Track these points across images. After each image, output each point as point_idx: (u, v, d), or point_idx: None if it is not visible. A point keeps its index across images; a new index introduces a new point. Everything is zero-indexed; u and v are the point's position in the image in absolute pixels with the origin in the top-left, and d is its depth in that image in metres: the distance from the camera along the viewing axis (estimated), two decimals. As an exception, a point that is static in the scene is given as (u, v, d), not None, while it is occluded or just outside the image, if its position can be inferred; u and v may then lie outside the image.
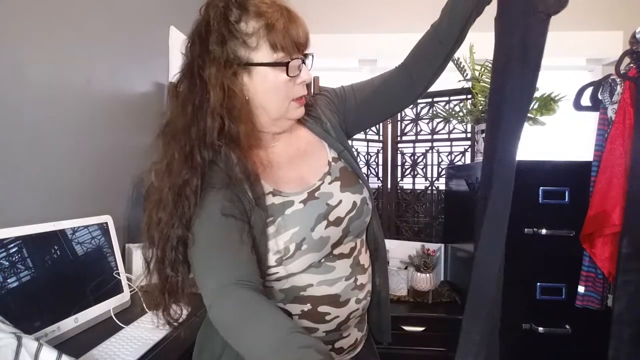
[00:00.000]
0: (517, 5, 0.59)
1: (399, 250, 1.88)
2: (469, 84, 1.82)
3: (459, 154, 2.05)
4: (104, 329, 1.04)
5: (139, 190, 1.51)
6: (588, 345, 1.33)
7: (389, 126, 2.18)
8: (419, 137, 2.15)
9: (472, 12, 0.68)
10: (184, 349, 0.96)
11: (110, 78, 1.40)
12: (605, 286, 1.33)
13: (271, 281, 0.70)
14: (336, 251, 0.72)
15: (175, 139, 0.66)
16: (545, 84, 1.53)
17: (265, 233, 0.67)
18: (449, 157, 2.08)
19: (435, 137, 2.11)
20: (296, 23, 0.68)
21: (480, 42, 1.30)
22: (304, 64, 0.72)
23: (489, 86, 1.61)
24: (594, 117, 1.44)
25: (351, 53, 2.44)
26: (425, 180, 2.13)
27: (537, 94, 1.60)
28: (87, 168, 1.28)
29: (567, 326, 1.38)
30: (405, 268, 1.80)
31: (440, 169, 2.11)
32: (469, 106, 1.85)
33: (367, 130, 2.10)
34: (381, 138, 2.18)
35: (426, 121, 2.13)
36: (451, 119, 2.01)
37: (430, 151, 2.12)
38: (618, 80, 1.33)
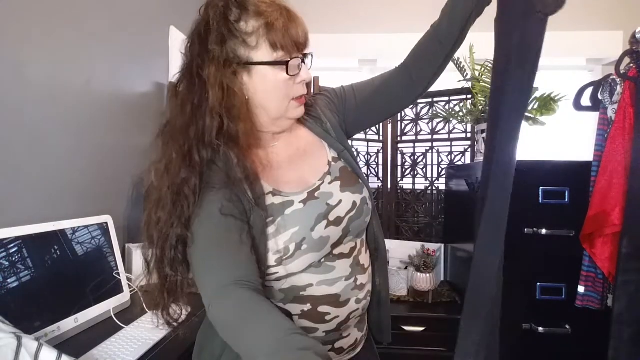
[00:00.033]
0: (516, 6, 0.59)
1: (399, 250, 1.88)
2: (469, 84, 1.82)
3: (459, 154, 2.05)
4: (104, 329, 1.04)
5: (139, 190, 1.51)
6: (588, 345, 1.33)
7: (389, 126, 2.17)
8: (419, 137, 2.14)
9: (472, 12, 0.69)
10: (184, 349, 0.96)
11: (110, 78, 1.40)
12: (605, 286, 1.33)
13: (271, 281, 0.70)
14: (336, 251, 0.72)
15: (174, 138, 0.66)
16: (545, 84, 1.54)
17: (265, 233, 0.67)
18: (449, 157, 2.08)
19: (435, 137, 2.11)
20: (295, 22, 0.69)
21: (480, 42, 1.31)
22: (304, 63, 0.72)
23: (489, 86, 1.61)
24: (594, 117, 1.44)
25: (351, 53, 2.44)
26: (425, 180, 2.13)
27: (537, 94, 1.60)
28: (87, 168, 1.28)
29: (567, 326, 1.38)
30: (405, 268, 1.80)
31: (440, 169, 2.11)
32: (469, 106, 1.85)
33: (367, 130, 2.10)
34: (381, 138, 2.18)
35: (426, 121, 2.13)
36: (451, 119, 2.01)
37: (430, 151, 2.12)
38: (618, 80, 1.33)
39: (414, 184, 2.16)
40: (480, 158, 1.70)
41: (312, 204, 0.70)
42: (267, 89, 0.69)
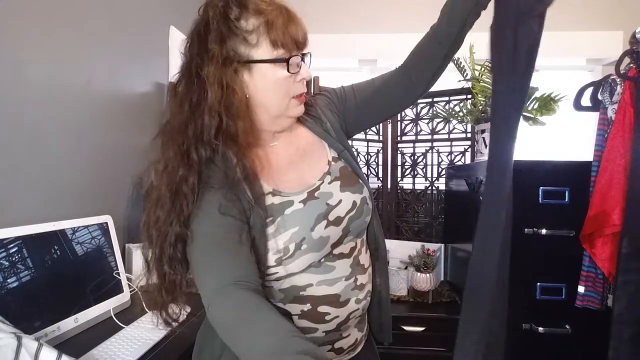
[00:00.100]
0: (512, 7, 0.60)
1: (399, 250, 1.88)
2: (469, 84, 1.82)
3: (459, 154, 2.05)
4: (104, 329, 1.04)
5: (139, 190, 1.51)
6: (588, 345, 1.33)
7: (389, 126, 2.17)
8: (419, 137, 2.14)
9: (469, 13, 0.69)
10: (184, 349, 0.96)
11: (110, 78, 1.40)
12: (605, 286, 1.33)
13: (271, 281, 0.70)
14: (336, 251, 0.72)
15: (173, 137, 0.67)
16: (545, 84, 1.54)
17: (265, 233, 0.67)
18: (449, 157, 2.08)
19: (435, 137, 2.11)
20: (295, 21, 0.69)
21: (480, 42, 1.30)
22: (303, 61, 0.72)
23: (489, 86, 1.61)
24: (594, 117, 1.44)
25: (351, 53, 2.44)
26: (425, 180, 2.13)
27: (537, 94, 1.60)
28: (87, 168, 1.28)
29: (567, 326, 1.38)
30: (405, 268, 1.80)
31: (440, 169, 2.11)
32: (469, 106, 1.85)
33: (367, 130, 2.10)
34: (381, 138, 2.18)
35: (426, 121, 2.13)
36: (451, 119, 2.01)
37: (430, 151, 2.12)
38: (618, 80, 1.33)
39: (414, 184, 2.16)
40: (480, 158, 1.70)
41: (312, 203, 0.70)
42: (268, 86, 0.69)
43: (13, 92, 1.00)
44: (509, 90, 0.58)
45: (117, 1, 1.42)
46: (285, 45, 0.68)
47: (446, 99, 2.05)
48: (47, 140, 1.12)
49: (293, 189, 0.72)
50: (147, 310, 1.14)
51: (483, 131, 1.67)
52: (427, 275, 1.70)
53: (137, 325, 1.06)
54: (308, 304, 0.70)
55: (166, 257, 0.65)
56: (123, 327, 1.04)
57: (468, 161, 2.02)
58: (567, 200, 1.37)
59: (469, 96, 1.88)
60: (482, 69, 1.67)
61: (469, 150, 2.02)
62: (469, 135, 2.02)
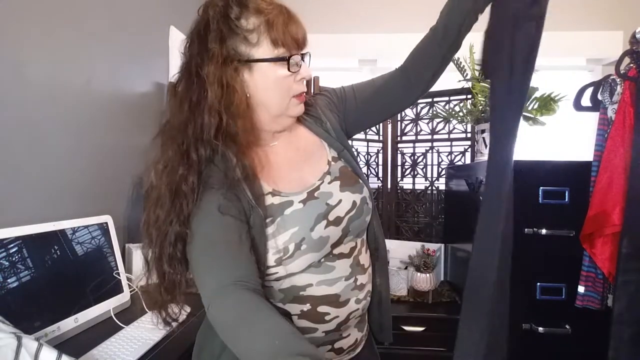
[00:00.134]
0: (508, 13, 0.60)
1: (399, 250, 1.88)
2: (469, 84, 1.82)
3: (459, 154, 2.05)
4: (104, 329, 1.04)
5: (139, 190, 1.51)
6: (588, 345, 1.33)
7: (389, 126, 2.18)
8: (419, 137, 2.15)
9: (466, 16, 0.69)
10: (184, 349, 0.96)
11: (110, 78, 1.40)
12: (605, 286, 1.33)
13: (271, 281, 0.70)
14: (336, 251, 0.72)
15: (173, 137, 0.67)
16: (545, 84, 1.54)
17: (265, 233, 0.67)
18: (449, 157, 2.08)
19: (435, 137, 2.11)
20: (295, 21, 0.70)
21: (480, 42, 1.30)
22: (303, 61, 0.72)
23: (488, 86, 1.61)
24: (594, 117, 1.44)
25: (351, 53, 2.44)
26: (425, 180, 2.13)
27: (537, 94, 1.60)
28: (87, 168, 1.28)
29: (567, 326, 1.38)
30: (405, 268, 1.80)
31: (440, 169, 2.11)
32: (469, 106, 1.85)
33: (367, 130, 2.10)
34: (381, 138, 2.18)
35: (426, 121, 2.13)
36: (451, 119, 2.01)
37: (430, 151, 2.12)
38: (618, 80, 1.33)
39: (414, 184, 2.16)
40: (480, 158, 1.70)
41: (312, 204, 0.70)
42: (268, 85, 0.69)
43: (13, 92, 1.00)
44: (508, 93, 0.58)
45: (117, 1, 1.42)
46: (286, 44, 0.68)
47: (446, 99, 2.05)
48: (47, 140, 1.12)
49: (293, 189, 0.72)
50: (147, 310, 1.14)
51: (483, 131, 1.67)
52: (427, 275, 1.70)
53: (137, 325, 1.06)
54: (308, 304, 0.70)
55: (166, 256, 0.65)
56: (123, 327, 1.04)
57: (468, 161, 2.02)
58: (567, 200, 1.37)
59: (469, 96, 1.88)
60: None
61: (469, 150, 2.02)
62: (469, 135, 2.02)
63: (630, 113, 1.26)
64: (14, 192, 1.01)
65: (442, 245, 1.93)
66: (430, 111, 2.10)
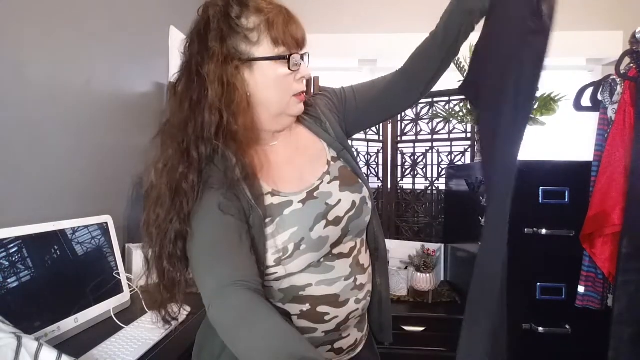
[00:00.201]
0: (509, 27, 0.60)
1: (399, 250, 1.88)
2: (469, 84, 1.82)
3: (459, 154, 2.05)
4: (104, 329, 1.04)
5: (139, 190, 1.51)
6: (588, 345, 1.33)
7: (389, 126, 2.18)
8: (419, 137, 2.15)
9: (463, 24, 0.70)
10: (184, 349, 0.96)
11: (110, 78, 1.40)
12: (605, 286, 1.33)
13: (270, 281, 0.70)
14: (335, 251, 0.72)
15: (173, 136, 0.67)
16: (545, 84, 1.54)
17: (264, 233, 0.67)
18: (449, 157, 2.08)
19: (435, 137, 2.11)
20: (294, 21, 0.70)
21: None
22: (302, 60, 0.72)
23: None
24: (594, 117, 1.44)
25: (351, 53, 2.44)
26: (425, 180, 2.13)
27: (537, 94, 1.60)
28: (87, 168, 1.28)
29: (567, 326, 1.38)
30: (405, 268, 1.80)
31: (440, 169, 2.11)
32: (469, 106, 1.85)
33: (367, 130, 2.11)
34: (381, 138, 2.18)
35: (426, 121, 2.13)
36: (451, 119, 2.01)
37: (430, 151, 2.12)
38: (618, 80, 1.33)
39: (414, 184, 2.16)
40: (480, 158, 1.70)
41: (311, 203, 0.70)
42: (269, 84, 0.70)
43: (13, 92, 1.00)
44: (508, 110, 0.58)
45: (117, 1, 1.42)
46: (286, 43, 0.68)
47: (446, 99, 2.05)
48: (47, 140, 1.12)
49: (292, 189, 0.72)
50: (147, 310, 1.14)
51: (483, 131, 1.66)
52: (427, 275, 1.70)
53: (137, 325, 1.06)
54: (307, 304, 0.70)
55: (166, 254, 0.65)
56: (123, 327, 1.04)
57: (468, 161, 2.02)
58: (567, 200, 1.38)
59: (469, 96, 1.88)
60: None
61: (469, 150, 2.02)
62: (469, 135, 2.02)
63: (631, 113, 1.26)
64: (14, 192, 1.01)
65: (442, 245, 1.93)
66: (430, 111, 2.10)
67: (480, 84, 0.71)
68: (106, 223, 1.22)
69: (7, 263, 0.89)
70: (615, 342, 1.19)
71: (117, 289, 1.19)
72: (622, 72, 1.31)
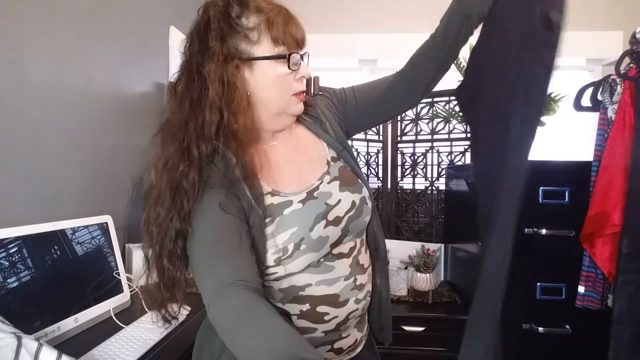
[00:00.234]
0: (514, 36, 0.60)
1: (399, 250, 1.88)
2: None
3: (459, 154, 2.05)
4: (104, 329, 1.04)
5: (139, 190, 1.51)
6: (588, 345, 1.33)
7: (389, 126, 2.17)
8: (419, 137, 2.14)
9: (460, 28, 0.70)
10: (184, 349, 0.96)
11: (110, 78, 1.40)
12: (605, 286, 1.33)
13: (270, 281, 0.70)
14: (335, 251, 0.72)
15: (173, 135, 0.67)
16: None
17: (264, 233, 0.67)
18: (449, 157, 2.08)
19: (435, 137, 2.11)
20: (294, 21, 0.71)
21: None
22: (302, 60, 0.72)
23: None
24: (594, 117, 1.44)
25: (351, 53, 2.44)
26: (425, 180, 2.13)
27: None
28: (87, 168, 1.28)
29: (567, 326, 1.38)
30: (405, 268, 1.80)
31: (440, 169, 2.11)
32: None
33: (367, 130, 2.10)
34: (381, 138, 2.18)
35: (426, 121, 2.13)
36: (451, 119, 2.01)
37: (430, 151, 2.12)
38: (618, 80, 1.33)
39: (414, 184, 2.16)
40: (480, 158, 1.70)
41: (311, 203, 0.71)
42: (269, 83, 0.70)
43: (13, 92, 1.01)
44: (522, 123, 0.58)
45: (117, 1, 1.42)
46: (286, 42, 0.69)
47: (446, 99, 2.05)
48: (47, 140, 1.12)
49: (292, 189, 0.72)
50: (147, 310, 1.14)
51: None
52: (427, 275, 1.70)
53: (137, 325, 1.06)
54: (307, 304, 0.70)
55: (166, 253, 0.65)
56: (123, 327, 1.04)
57: (468, 161, 2.02)
58: (567, 200, 1.38)
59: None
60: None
61: (469, 150, 2.02)
62: (469, 135, 2.02)
63: (631, 113, 1.26)
64: (14, 192, 1.01)
65: (442, 245, 1.93)
66: (430, 111, 2.10)
67: (479, 89, 0.71)
68: (106, 223, 1.22)
69: (7, 263, 0.89)
70: (615, 342, 1.19)
71: (117, 289, 1.19)
72: (622, 72, 1.31)
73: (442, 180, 2.10)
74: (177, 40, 1.75)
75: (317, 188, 0.73)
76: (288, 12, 0.70)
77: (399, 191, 2.18)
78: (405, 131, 2.17)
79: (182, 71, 0.70)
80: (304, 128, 0.81)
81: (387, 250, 0.95)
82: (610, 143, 1.29)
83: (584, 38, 2.26)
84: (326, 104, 0.83)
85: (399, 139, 2.18)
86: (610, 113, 1.34)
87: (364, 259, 0.78)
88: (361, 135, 2.10)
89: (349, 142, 0.86)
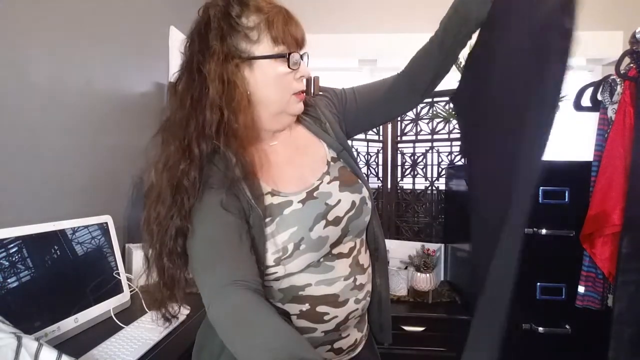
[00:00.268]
0: (524, 40, 0.60)
1: (399, 250, 1.88)
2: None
3: (459, 154, 2.05)
4: (104, 329, 1.04)
5: (139, 190, 1.51)
6: (588, 345, 1.33)
7: (389, 126, 2.17)
8: (419, 137, 2.14)
9: (459, 31, 0.71)
10: (184, 349, 0.96)
11: (110, 78, 1.40)
12: (605, 286, 1.33)
13: (270, 281, 0.70)
14: (335, 251, 0.72)
15: (174, 134, 0.67)
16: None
17: (264, 233, 0.67)
18: (449, 157, 2.08)
19: (435, 137, 2.11)
20: (294, 21, 0.71)
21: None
22: (302, 60, 0.72)
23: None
24: (594, 117, 1.44)
25: (351, 53, 2.44)
26: (425, 180, 2.13)
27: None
28: (87, 168, 1.28)
29: (567, 326, 1.38)
30: (405, 268, 1.80)
31: (440, 169, 2.11)
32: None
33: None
34: (381, 138, 2.18)
35: (426, 121, 2.13)
36: (451, 119, 2.01)
37: (430, 151, 2.12)
38: (618, 80, 1.33)
39: (414, 184, 2.16)
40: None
41: (311, 203, 0.71)
42: (269, 82, 0.70)
43: (13, 92, 1.01)
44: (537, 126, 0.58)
45: (118, 1, 1.42)
46: (286, 42, 0.69)
47: (446, 99, 2.04)
48: (47, 140, 1.12)
49: (292, 189, 0.72)
50: (147, 310, 1.14)
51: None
52: (427, 275, 1.70)
53: (137, 325, 1.06)
54: (307, 304, 0.70)
55: (166, 251, 0.65)
56: (123, 327, 1.04)
57: (468, 161, 2.02)
58: (567, 200, 1.38)
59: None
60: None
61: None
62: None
63: (630, 113, 1.26)
64: (14, 192, 1.01)
65: (442, 245, 1.93)
66: (430, 111, 2.10)
67: (480, 94, 0.71)
68: (106, 223, 1.22)
69: (7, 263, 0.89)
70: (615, 342, 1.19)
71: (117, 289, 1.19)
72: (622, 72, 1.31)
73: (442, 180, 2.10)
74: (177, 40, 1.76)
75: (317, 188, 0.73)
76: (288, 12, 0.71)
77: (399, 191, 2.18)
78: (405, 131, 2.17)
79: (182, 70, 0.70)
80: (304, 128, 0.81)
81: (387, 250, 0.95)
82: (610, 143, 1.29)
83: (584, 38, 2.25)
84: (326, 104, 0.83)
85: (399, 139, 2.18)
86: (610, 113, 1.34)
87: (364, 259, 0.78)
88: (361, 135, 2.10)
89: (349, 142, 0.86)
